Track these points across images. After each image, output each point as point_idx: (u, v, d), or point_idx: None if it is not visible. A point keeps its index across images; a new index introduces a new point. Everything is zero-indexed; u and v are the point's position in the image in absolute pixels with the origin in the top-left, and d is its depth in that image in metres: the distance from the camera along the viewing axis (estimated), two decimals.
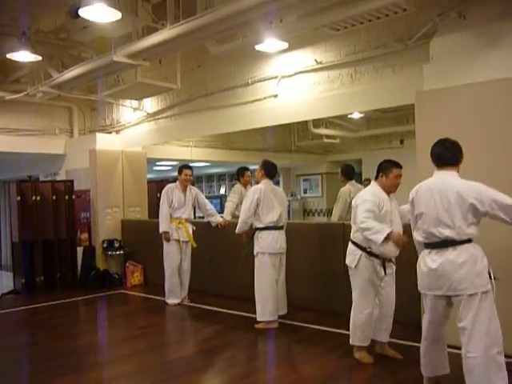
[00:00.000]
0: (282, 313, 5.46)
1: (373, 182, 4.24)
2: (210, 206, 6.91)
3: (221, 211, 15.64)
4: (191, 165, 6.94)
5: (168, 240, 6.52)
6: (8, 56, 6.13)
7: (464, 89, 4.40)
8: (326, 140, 11.39)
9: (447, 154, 3.37)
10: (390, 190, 4.15)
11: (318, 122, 10.51)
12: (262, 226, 5.33)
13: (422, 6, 4.74)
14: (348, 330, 4.31)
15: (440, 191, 3.24)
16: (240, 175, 7.32)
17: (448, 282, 3.18)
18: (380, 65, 5.48)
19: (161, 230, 6.55)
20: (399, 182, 4.18)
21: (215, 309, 6.27)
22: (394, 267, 4.25)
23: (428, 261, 3.28)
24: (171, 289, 6.58)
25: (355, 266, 4.14)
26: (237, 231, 5.50)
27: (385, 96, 5.45)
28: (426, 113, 4.64)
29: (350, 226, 5.69)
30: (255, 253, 5.37)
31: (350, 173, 7.12)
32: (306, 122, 10.29)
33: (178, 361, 4.49)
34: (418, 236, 3.41)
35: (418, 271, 3.39)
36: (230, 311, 6.08)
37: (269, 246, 5.29)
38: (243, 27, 5.26)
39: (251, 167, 8.28)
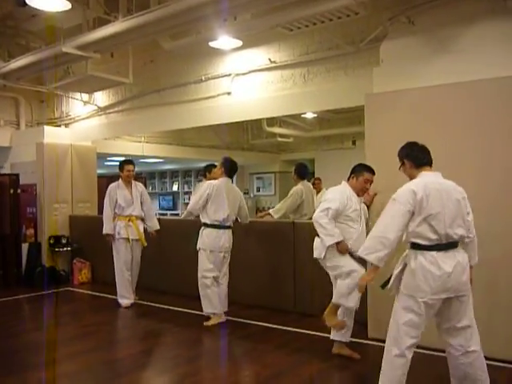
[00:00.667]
0: (224, 310, 5.45)
1: (344, 182, 4.33)
2: (150, 208, 6.71)
3: (173, 208, 15.65)
4: (143, 161, 6.86)
5: (110, 243, 6.35)
6: None
7: (411, 92, 4.52)
8: (279, 139, 11.45)
9: (427, 155, 3.34)
10: (357, 193, 4.25)
11: (272, 121, 10.54)
12: (207, 222, 5.35)
13: (373, 10, 4.82)
14: (295, 327, 4.37)
15: (446, 190, 3.15)
16: (207, 171, 7.22)
17: (456, 284, 3.09)
18: (332, 66, 5.56)
19: (104, 232, 6.36)
20: (368, 187, 4.29)
21: (164, 306, 6.21)
22: None
23: (441, 263, 3.06)
24: (122, 289, 6.36)
25: (324, 257, 4.16)
26: (182, 217, 5.55)
27: (336, 97, 5.53)
28: (375, 115, 4.74)
29: (300, 225, 5.85)
30: (197, 248, 5.39)
31: (304, 172, 7.16)
32: (260, 120, 10.29)
33: (123, 360, 4.42)
34: (420, 238, 3.12)
35: (425, 275, 3.08)
36: (178, 309, 6.04)
37: (210, 244, 5.31)
38: (196, 23, 5.21)
39: (203, 164, 8.22)
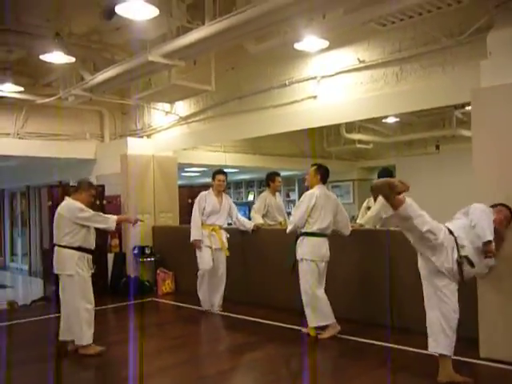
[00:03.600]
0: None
1: None
2: (240, 216, 6.84)
3: (249, 218, 15.55)
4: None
5: (199, 248, 6.36)
6: (41, 57, 6.02)
7: None
8: (358, 145, 11.08)
9: None
10: None
11: (350, 127, 10.22)
12: (309, 231, 5.12)
13: None
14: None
15: None
16: (270, 180, 7.15)
17: None
18: (428, 62, 5.17)
19: (192, 239, 6.41)
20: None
21: (252, 319, 5.99)
22: None
23: None
24: (203, 295, 6.45)
25: None
26: (287, 231, 5.33)
27: (434, 95, 5.13)
28: (483, 111, 4.31)
29: (395, 233, 5.47)
30: (299, 258, 5.14)
31: (386, 177, 6.81)
32: (339, 126, 10.02)
33: (214, 376, 4.22)
34: None
35: None
36: (268, 322, 5.79)
37: (314, 253, 5.08)
38: (283, 23, 5.03)
39: (282, 173, 8.05)
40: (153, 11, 4.80)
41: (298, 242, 5.19)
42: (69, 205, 4.93)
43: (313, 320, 5.07)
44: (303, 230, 5.16)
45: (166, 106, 8.26)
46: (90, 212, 4.90)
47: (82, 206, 4.91)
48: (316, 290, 5.06)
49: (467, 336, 4.00)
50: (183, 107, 8.05)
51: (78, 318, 4.77)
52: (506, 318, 4.15)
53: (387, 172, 6.96)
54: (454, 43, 4.91)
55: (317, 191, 5.19)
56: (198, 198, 6.56)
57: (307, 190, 5.36)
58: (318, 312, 5.04)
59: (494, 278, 4.13)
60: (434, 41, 5.09)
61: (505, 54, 4.23)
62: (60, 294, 4.94)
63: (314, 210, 5.10)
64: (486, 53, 4.42)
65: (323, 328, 5.08)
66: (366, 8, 4.59)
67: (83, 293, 4.84)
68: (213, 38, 5.02)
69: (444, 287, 3.71)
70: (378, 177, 6.88)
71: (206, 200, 6.46)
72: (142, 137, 8.73)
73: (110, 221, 5.02)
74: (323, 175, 5.30)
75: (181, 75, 6.77)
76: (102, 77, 6.46)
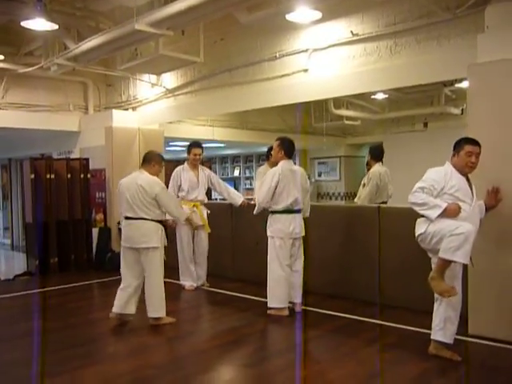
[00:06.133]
0: (297, 301, 5.13)
1: (447, 162, 3.89)
2: (226, 185, 6.62)
3: None
4: (204, 145, 6.64)
5: (173, 227, 6.09)
6: (23, 24, 5.75)
7: None
8: (346, 122, 10.99)
9: None
10: (462, 170, 3.81)
11: (338, 103, 10.09)
12: (276, 209, 5.07)
13: None
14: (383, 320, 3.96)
15: None
16: (270, 154, 7.00)
17: None
18: (423, 36, 5.06)
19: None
20: (473, 160, 3.78)
21: (239, 295, 5.97)
22: None
23: None
24: (184, 273, 6.39)
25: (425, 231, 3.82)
26: (255, 213, 5.27)
27: (428, 70, 5.02)
28: (480, 86, 4.24)
29: (385, 210, 5.45)
30: (268, 236, 5.12)
31: (378, 153, 6.78)
32: (327, 102, 9.88)
33: (210, 351, 4.17)
34: None
35: None
36: (256, 298, 5.76)
37: (280, 230, 5.02)
38: None
39: (265, 149, 7.93)
40: None
41: (268, 219, 5.16)
42: (149, 179, 4.82)
43: (268, 300, 5.09)
44: (270, 209, 5.11)
45: (153, 78, 8.04)
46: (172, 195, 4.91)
47: (163, 185, 4.91)
48: (276, 270, 5.02)
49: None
50: (170, 79, 7.85)
51: (162, 289, 4.82)
52: (493, 296, 4.16)
53: (378, 149, 6.92)
54: (451, 17, 4.79)
55: (279, 169, 5.08)
56: (172, 173, 6.38)
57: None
58: (271, 293, 5.04)
59: (483, 258, 4.12)
60: (430, 14, 4.97)
61: (502, 28, 4.14)
62: (134, 266, 4.86)
63: (278, 187, 5.00)
64: (483, 27, 4.35)
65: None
66: None
67: (163, 266, 4.88)
68: (203, 6, 4.83)
69: None
70: (369, 152, 6.86)
71: (181, 176, 6.30)
72: (127, 109, 8.52)
73: (183, 215, 5.13)
74: (287, 150, 5.17)
75: (168, 46, 6.57)
76: (86, 46, 6.21)
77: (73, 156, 8.72)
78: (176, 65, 6.88)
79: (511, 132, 4.05)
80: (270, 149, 6.68)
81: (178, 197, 6.26)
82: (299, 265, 5.17)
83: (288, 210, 5.04)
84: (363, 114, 10.77)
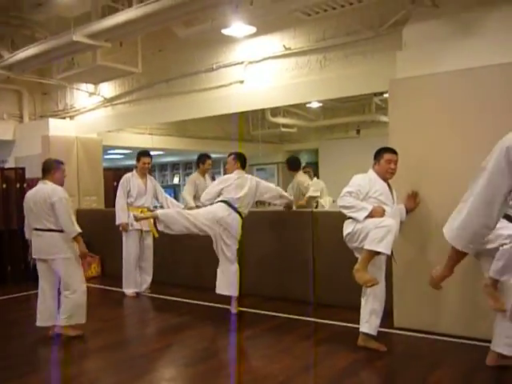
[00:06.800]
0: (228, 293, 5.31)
1: (370, 170, 4.28)
2: (167, 196, 6.84)
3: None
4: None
5: (126, 230, 6.34)
6: None
7: (437, 77, 4.41)
8: (282, 129, 11.34)
9: None
10: (383, 177, 4.21)
11: (275, 111, 10.43)
12: (219, 199, 5.30)
13: None
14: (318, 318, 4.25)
15: None
16: (201, 162, 7.22)
17: None
18: (350, 51, 5.45)
19: (118, 222, 6.39)
20: (392, 166, 4.19)
21: (181, 300, 6.11)
22: None
23: None
24: (128, 279, 6.46)
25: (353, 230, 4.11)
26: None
27: (355, 83, 5.42)
28: (399, 100, 4.63)
29: (319, 214, 5.78)
30: None
31: (296, 164, 7.33)
32: (264, 110, 10.20)
33: (147, 356, 4.28)
34: None
35: None
36: (196, 302, 5.93)
37: (209, 210, 5.26)
38: (211, 9, 5.09)
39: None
40: None
41: None
42: (49, 189, 4.68)
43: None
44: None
45: (90, 87, 8.06)
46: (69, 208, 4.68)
47: (64, 195, 4.70)
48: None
49: (384, 308, 4.32)
50: (108, 88, 7.90)
51: (79, 297, 4.75)
52: (415, 291, 4.54)
53: (295, 160, 7.43)
54: (374, 34, 5.20)
55: (234, 175, 5.38)
56: (121, 180, 6.53)
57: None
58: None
59: (405, 256, 4.53)
60: (355, 31, 5.36)
61: (418, 46, 4.54)
62: (49, 277, 4.80)
63: (228, 186, 5.28)
64: (402, 45, 4.74)
65: None
66: None
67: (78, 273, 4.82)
68: (140, 20, 4.99)
69: None
70: (287, 164, 7.39)
71: (130, 182, 6.44)
72: (64, 118, 8.47)
73: (73, 231, 4.68)
74: (242, 162, 5.51)
75: (106, 56, 6.63)
76: (21, 55, 6.20)
77: (8, 165, 8.55)
78: (114, 75, 6.96)
79: (427, 141, 4.45)
80: (201, 156, 6.97)
81: (128, 203, 6.39)
82: (227, 262, 5.32)
83: (227, 202, 5.24)
84: (299, 121, 11.18)
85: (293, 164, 7.40)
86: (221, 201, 5.25)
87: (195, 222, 5.08)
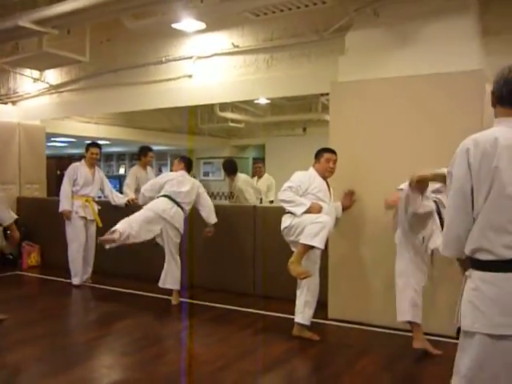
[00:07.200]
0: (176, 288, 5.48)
1: (311, 167, 4.50)
2: (112, 189, 6.89)
3: (120, 191, 15.37)
4: (88, 142, 6.80)
5: (69, 218, 6.33)
6: None
7: (374, 82, 4.67)
8: (231, 124, 11.45)
9: None
10: (323, 175, 4.45)
11: (224, 106, 10.52)
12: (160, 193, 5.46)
13: (339, 0, 4.93)
14: (257, 309, 4.41)
15: None
16: (142, 155, 7.28)
17: None
18: (296, 53, 5.64)
19: (61, 209, 6.36)
20: (331, 166, 4.44)
21: (121, 290, 6.15)
22: None
23: None
24: (76, 268, 6.40)
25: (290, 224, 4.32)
26: (140, 202, 5.67)
27: (300, 83, 5.63)
28: (339, 103, 4.86)
29: (261, 209, 5.96)
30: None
31: (233, 168, 7.55)
32: (212, 105, 10.28)
33: (85, 344, 4.35)
34: None
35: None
36: (137, 292, 6.00)
37: (153, 205, 5.42)
38: (161, 4, 5.16)
39: (154, 148, 8.20)
40: None
41: None
42: None
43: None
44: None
45: (35, 73, 7.88)
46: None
47: None
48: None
49: (319, 301, 4.55)
50: (54, 75, 7.76)
51: None
52: (348, 283, 4.82)
53: (231, 163, 7.59)
54: (319, 38, 5.41)
55: (178, 173, 5.59)
56: (68, 168, 6.51)
57: None
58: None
59: (340, 250, 4.81)
60: (301, 34, 5.56)
61: (359, 52, 4.79)
62: None
63: (171, 180, 5.46)
64: (344, 50, 4.97)
65: None
66: None
67: None
68: (89, 10, 4.98)
69: None
70: (223, 167, 7.56)
71: (77, 171, 6.43)
72: (6, 103, 8.25)
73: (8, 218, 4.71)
74: (187, 164, 5.72)
75: (53, 42, 6.52)
76: None
77: None
78: (60, 62, 6.84)
79: (363, 142, 4.70)
80: (142, 149, 7.06)
81: (73, 191, 6.38)
82: (170, 256, 5.46)
83: (169, 197, 5.38)
84: (247, 117, 11.30)
85: (230, 168, 7.50)
86: (163, 195, 5.38)
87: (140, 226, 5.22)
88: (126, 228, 5.10)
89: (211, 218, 5.63)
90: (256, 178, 8.43)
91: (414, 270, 3.87)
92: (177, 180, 5.49)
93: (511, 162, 1.88)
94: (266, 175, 8.51)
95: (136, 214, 5.32)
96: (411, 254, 3.88)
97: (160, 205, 5.33)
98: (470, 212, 1.98)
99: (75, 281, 6.40)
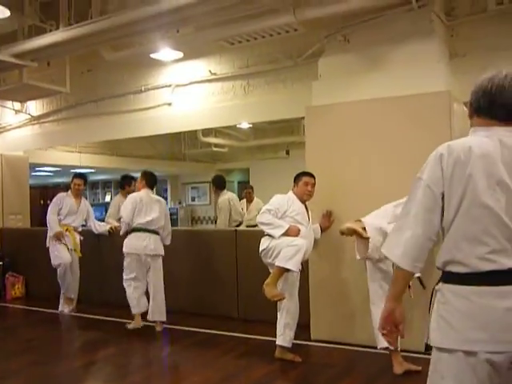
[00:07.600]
0: (159, 319, 5.46)
1: (290, 191, 4.58)
2: (94, 220, 6.91)
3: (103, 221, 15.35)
4: (73, 171, 6.86)
5: (62, 239, 6.33)
6: None
7: (347, 105, 4.79)
8: (214, 149, 11.57)
9: None
10: (301, 198, 4.51)
11: (207, 131, 10.64)
12: (133, 227, 5.50)
13: (311, 28, 5.08)
14: (240, 333, 4.43)
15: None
16: (126, 184, 7.24)
17: None
18: (272, 79, 5.79)
19: (52, 232, 6.33)
20: (310, 189, 4.51)
21: (104, 318, 6.13)
22: None
23: None
24: (67, 281, 6.37)
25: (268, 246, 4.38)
26: (121, 233, 5.66)
27: (276, 108, 5.77)
28: (314, 126, 4.99)
29: (242, 232, 6.01)
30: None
31: (222, 183, 7.56)
32: (196, 130, 10.39)
33: (70, 372, 4.35)
34: None
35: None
36: (119, 320, 5.97)
37: (129, 246, 5.47)
38: (139, 36, 5.29)
39: (137, 175, 8.23)
40: (3, 12, 4.74)
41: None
42: None
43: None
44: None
45: (16, 105, 7.97)
46: None
47: None
48: (125, 282, 5.50)
49: (302, 322, 4.60)
50: (35, 106, 7.85)
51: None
52: (330, 304, 4.86)
53: (220, 179, 7.69)
54: (293, 64, 5.56)
55: (141, 194, 5.61)
56: (54, 198, 6.58)
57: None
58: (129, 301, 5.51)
59: (321, 272, 4.86)
60: (276, 60, 5.71)
61: (331, 77, 4.92)
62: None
63: (138, 208, 5.48)
64: (317, 75, 5.12)
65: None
66: (215, 28, 5.02)
67: None
68: (67, 43, 5.11)
69: None
70: (214, 185, 7.63)
71: (63, 201, 6.49)
72: None
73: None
74: (148, 180, 5.73)
75: (33, 74, 6.62)
76: None
77: None
78: (41, 94, 6.94)
79: (338, 163, 4.81)
80: (125, 177, 7.09)
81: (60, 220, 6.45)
82: (157, 287, 5.50)
83: (143, 229, 5.44)
84: (230, 141, 11.45)
85: (219, 182, 7.62)
86: (133, 230, 5.48)
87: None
88: (135, 307, 5.47)
89: (167, 239, 5.71)
90: (245, 201, 8.50)
91: (383, 296, 3.85)
92: (144, 206, 5.50)
93: (485, 172, 1.84)
94: (255, 199, 8.58)
95: (127, 292, 5.49)
96: (380, 280, 3.96)
97: (137, 243, 5.43)
98: (439, 218, 1.88)
99: (67, 309, 6.41)
